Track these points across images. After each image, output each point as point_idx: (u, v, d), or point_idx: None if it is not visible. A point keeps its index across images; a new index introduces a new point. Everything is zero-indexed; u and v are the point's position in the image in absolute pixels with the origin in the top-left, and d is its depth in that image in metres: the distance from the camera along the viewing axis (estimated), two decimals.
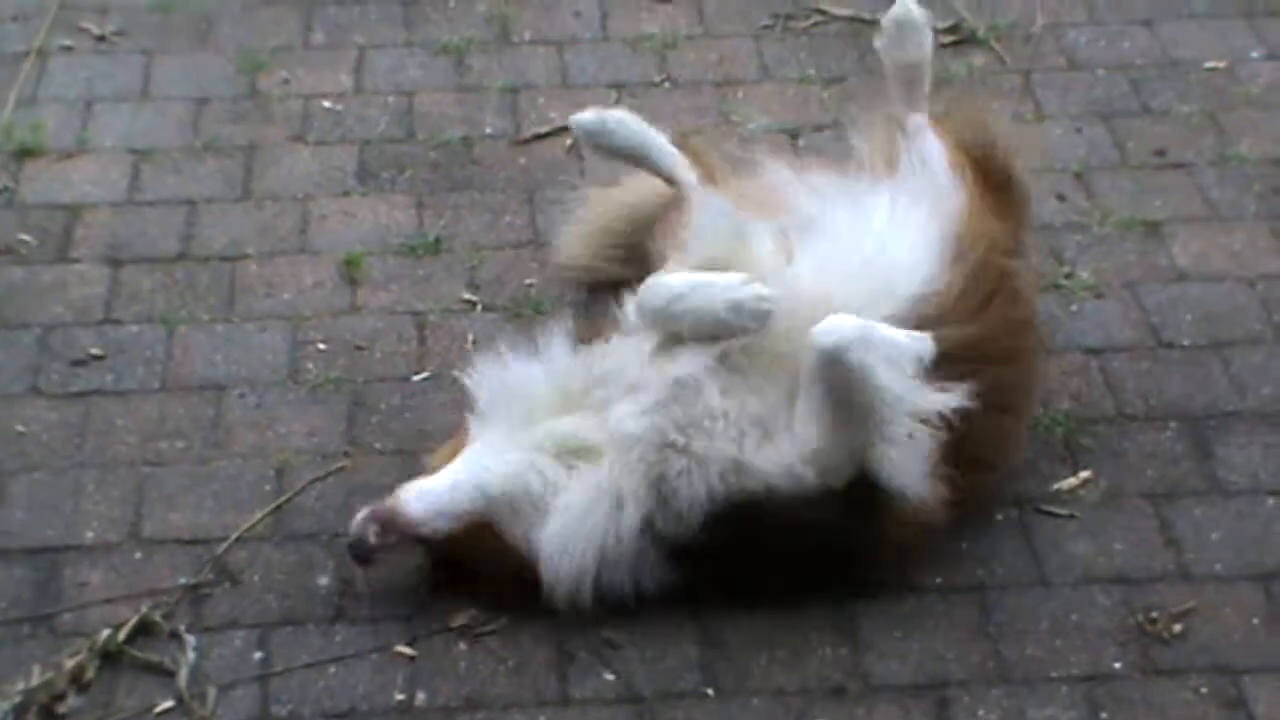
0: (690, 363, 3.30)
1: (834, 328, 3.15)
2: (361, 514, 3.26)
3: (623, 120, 3.80)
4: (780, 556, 3.28)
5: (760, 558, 3.28)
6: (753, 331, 3.27)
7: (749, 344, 3.30)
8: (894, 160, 3.66)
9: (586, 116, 3.82)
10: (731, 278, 3.29)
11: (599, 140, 3.82)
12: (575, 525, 3.25)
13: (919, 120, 3.70)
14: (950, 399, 3.23)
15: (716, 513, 3.25)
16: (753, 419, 3.26)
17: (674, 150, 3.81)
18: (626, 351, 3.35)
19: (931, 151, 3.64)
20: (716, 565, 3.29)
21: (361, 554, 3.27)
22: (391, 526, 3.24)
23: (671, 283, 3.34)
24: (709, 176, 3.80)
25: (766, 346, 3.30)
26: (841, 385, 3.17)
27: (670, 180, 3.80)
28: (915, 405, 3.21)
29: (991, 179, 3.65)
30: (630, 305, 3.38)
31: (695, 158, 3.84)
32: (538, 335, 3.43)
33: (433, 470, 3.34)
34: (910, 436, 3.21)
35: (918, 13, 3.75)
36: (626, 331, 3.39)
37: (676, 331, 3.31)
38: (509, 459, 3.29)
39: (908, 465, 3.21)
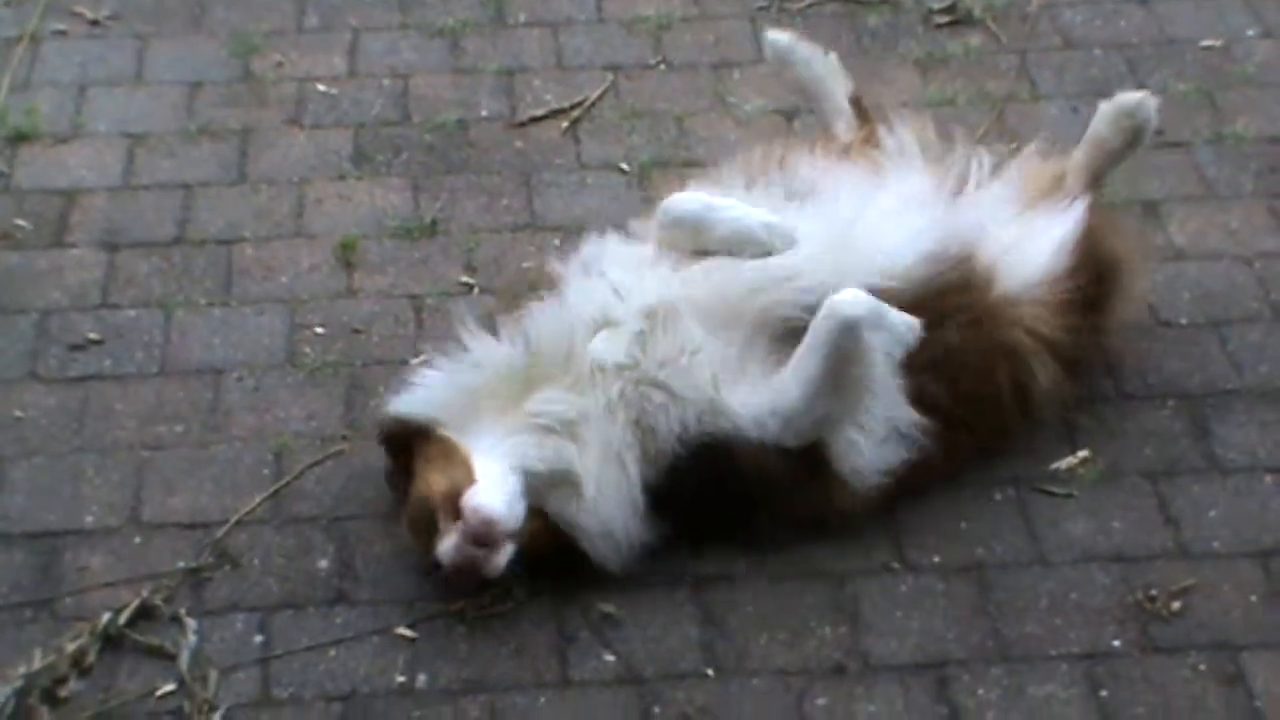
0: (662, 292, 3.36)
1: (856, 300, 3.23)
2: (452, 543, 3.20)
3: (811, 58, 3.96)
4: (742, 503, 3.34)
5: (724, 502, 3.33)
6: (778, 251, 3.41)
7: (712, 292, 3.37)
8: (1038, 200, 3.68)
9: (782, 37, 3.96)
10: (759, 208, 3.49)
11: (785, 61, 3.99)
12: (601, 490, 3.27)
13: (1081, 198, 3.69)
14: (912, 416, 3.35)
15: (687, 453, 3.29)
16: (724, 359, 3.31)
17: (846, 106, 3.95)
18: (588, 292, 3.39)
19: (1069, 225, 3.62)
20: (688, 511, 3.32)
21: (476, 574, 3.22)
22: (490, 532, 3.18)
23: (704, 196, 3.50)
24: (867, 139, 3.83)
25: (726, 295, 3.37)
26: (842, 356, 3.24)
27: (827, 128, 3.96)
28: (891, 401, 3.32)
29: (1090, 290, 3.62)
30: (658, 213, 3.49)
31: (864, 121, 3.94)
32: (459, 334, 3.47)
33: (436, 489, 3.26)
34: (885, 439, 3.34)
35: (1151, 112, 3.75)
36: (575, 279, 3.44)
37: (701, 238, 3.44)
38: (518, 442, 3.28)
39: (868, 452, 3.34)
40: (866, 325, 3.23)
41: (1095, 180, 3.78)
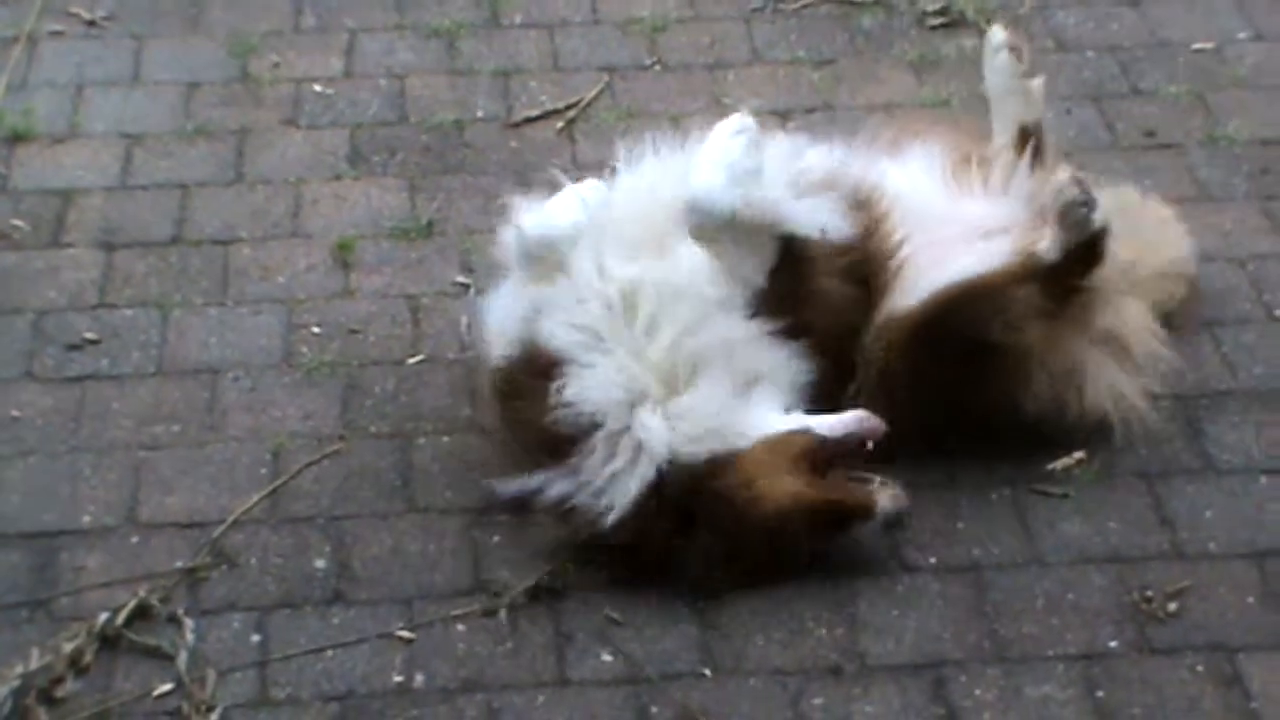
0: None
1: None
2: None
3: (1008, 68, 3.81)
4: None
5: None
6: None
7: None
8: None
9: (1001, 35, 3.83)
10: None
11: (989, 62, 3.85)
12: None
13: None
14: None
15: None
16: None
17: (1010, 133, 3.79)
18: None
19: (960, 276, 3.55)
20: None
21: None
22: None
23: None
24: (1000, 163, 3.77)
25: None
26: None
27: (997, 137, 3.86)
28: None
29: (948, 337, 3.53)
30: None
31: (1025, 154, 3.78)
32: None
33: (842, 498, 3.34)
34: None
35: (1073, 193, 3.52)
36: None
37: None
38: (768, 370, 3.42)
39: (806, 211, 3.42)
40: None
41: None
